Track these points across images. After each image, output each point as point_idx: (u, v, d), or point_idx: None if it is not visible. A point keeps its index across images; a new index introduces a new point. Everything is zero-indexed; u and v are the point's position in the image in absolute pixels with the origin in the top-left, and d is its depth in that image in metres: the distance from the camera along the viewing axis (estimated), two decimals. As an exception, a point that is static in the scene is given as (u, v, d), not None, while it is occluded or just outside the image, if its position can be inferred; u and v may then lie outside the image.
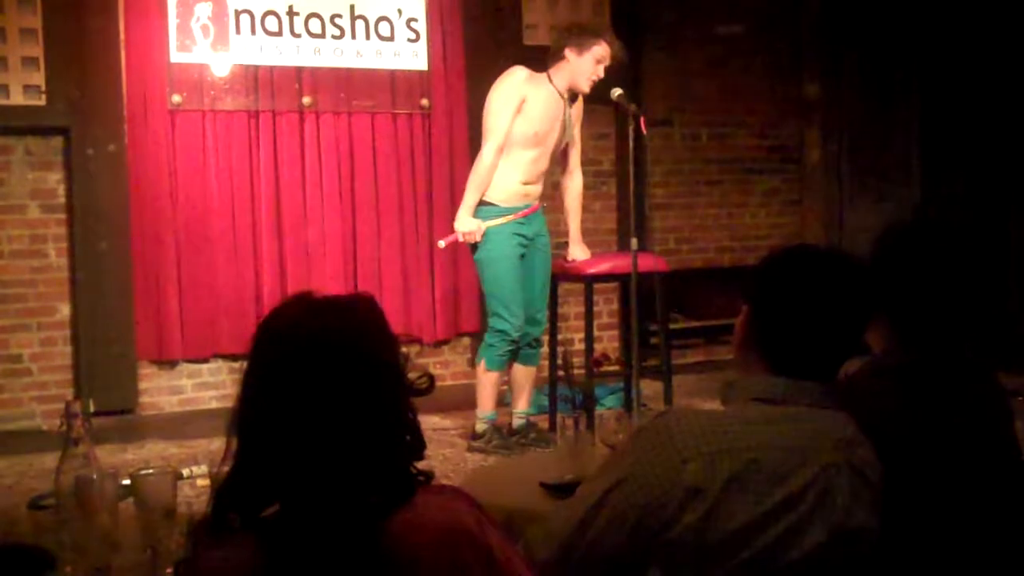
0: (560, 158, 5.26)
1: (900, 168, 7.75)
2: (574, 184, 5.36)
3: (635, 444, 1.89)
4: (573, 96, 5.13)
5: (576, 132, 5.23)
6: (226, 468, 1.56)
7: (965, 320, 2.07)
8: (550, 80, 5.05)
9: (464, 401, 5.24)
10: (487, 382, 5.10)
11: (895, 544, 1.85)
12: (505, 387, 5.30)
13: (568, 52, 5.00)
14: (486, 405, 5.12)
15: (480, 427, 5.13)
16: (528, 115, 4.99)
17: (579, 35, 5.05)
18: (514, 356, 5.13)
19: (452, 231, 5.12)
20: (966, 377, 2.08)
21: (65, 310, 5.99)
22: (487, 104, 5.06)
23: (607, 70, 5.08)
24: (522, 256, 5.08)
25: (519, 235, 5.05)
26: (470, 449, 5.12)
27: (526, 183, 5.07)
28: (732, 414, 1.86)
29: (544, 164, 5.12)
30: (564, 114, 5.09)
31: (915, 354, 2.05)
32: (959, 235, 2.11)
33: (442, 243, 5.28)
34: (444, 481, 1.76)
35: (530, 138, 5.00)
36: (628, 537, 1.76)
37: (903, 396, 1.99)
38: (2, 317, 5.84)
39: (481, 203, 5.03)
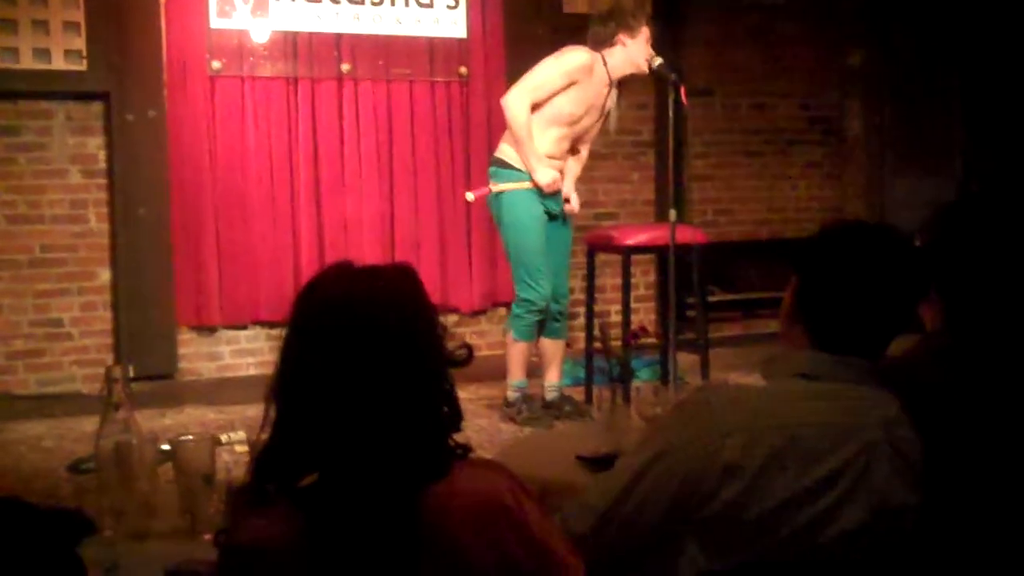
0: (574, 144, 5.22)
1: (942, 141, 7.66)
2: (577, 158, 5.31)
3: (675, 418, 1.89)
4: (620, 81, 5.09)
5: (612, 121, 5.20)
6: (264, 436, 1.56)
7: (1017, 300, 2.03)
8: (604, 63, 5.01)
9: (500, 372, 5.24)
10: (516, 352, 5.11)
11: (936, 525, 1.83)
12: (535, 359, 5.30)
13: (622, 37, 4.98)
14: (516, 374, 5.14)
15: (511, 395, 5.15)
16: (572, 97, 4.96)
17: (630, 18, 5.01)
18: (541, 329, 5.12)
19: (483, 185, 5.11)
20: (1017, 360, 2.04)
21: (105, 275, 6.03)
22: (539, 66, 5.00)
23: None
24: (548, 231, 5.07)
25: (544, 206, 5.04)
26: (502, 417, 5.13)
27: (551, 157, 5.05)
28: (774, 389, 1.86)
29: (567, 144, 5.12)
30: (605, 101, 5.07)
31: (965, 336, 2.01)
32: (1013, 212, 2.07)
33: (471, 196, 5.26)
34: (479, 451, 1.76)
35: (565, 117, 5.00)
36: (666, 511, 1.76)
37: (951, 379, 1.96)
38: (43, 281, 5.89)
39: (506, 165, 5.02)
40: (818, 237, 1.94)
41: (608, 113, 5.13)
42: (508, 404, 5.16)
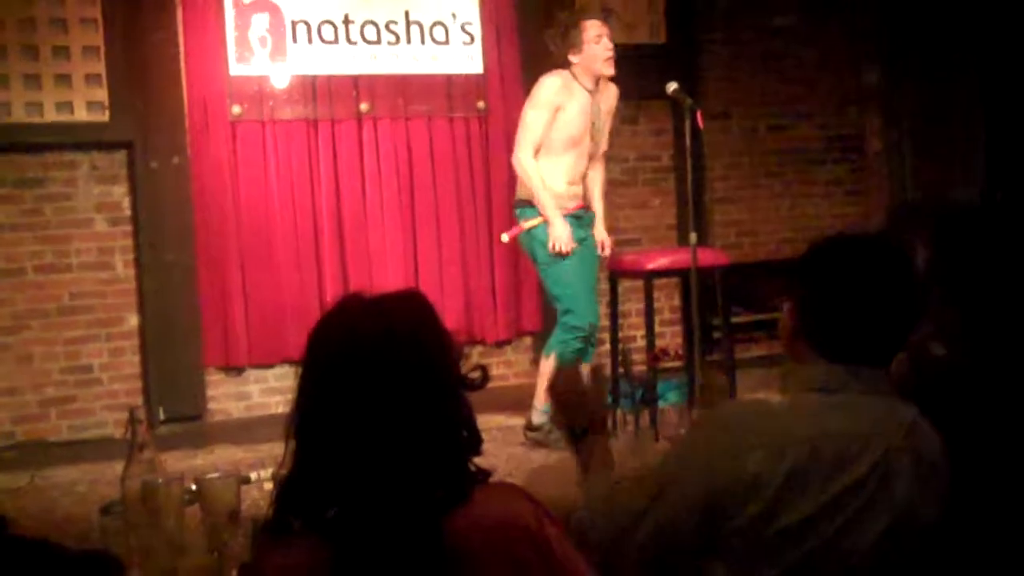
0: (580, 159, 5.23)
1: (964, 153, 7.63)
2: (596, 174, 5.34)
3: (693, 436, 1.90)
4: (602, 86, 5.15)
5: (605, 127, 5.24)
6: (286, 471, 1.58)
7: None
8: (576, 79, 5.08)
9: (527, 400, 5.23)
10: (553, 377, 5.10)
11: (960, 532, 1.83)
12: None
13: (571, 57, 5.06)
14: (547, 398, 5.11)
15: (537, 419, 5.10)
16: (564, 121, 5.03)
17: (564, 37, 5.09)
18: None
19: (513, 225, 5.15)
20: None
21: (133, 320, 6.09)
22: (523, 113, 5.12)
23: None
24: (579, 250, 5.10)
25: (576, 232, 5.07)
26: (525, 439, 5.10)
27: (571, 183, 5.12)
28: (790, 404, 1.86)
29: (583, 164, 5.17)
30: (591, 110, 5.11)
31: (984, 343, 2.01)
32: None
33: (505, 237, 5.32)
34: (508, 479, 1.77)
35: (567, 141, 5.06)
36: (692, 525, 1.76)
37: (972, 386, 1.95)
38: (73, 328, 5.95)
39: (529, 204, 5.07)
40: (807, 257, 1.93)
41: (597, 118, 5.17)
42: (533, 428, 5.11)
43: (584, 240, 5.16)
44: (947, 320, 2.06)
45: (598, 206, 5.34)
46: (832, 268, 1.89)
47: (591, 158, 5.23)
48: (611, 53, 5.08)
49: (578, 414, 2.15)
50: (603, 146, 5.31)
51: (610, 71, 5.10)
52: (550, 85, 5.06)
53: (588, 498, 1.97)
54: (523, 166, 5.04)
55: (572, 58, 5.06)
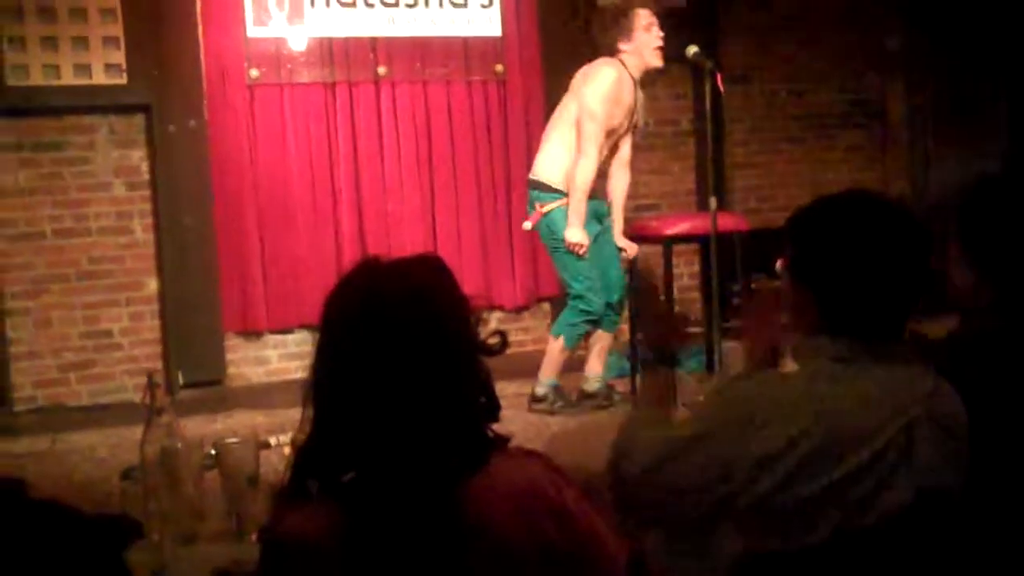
0: (612, 149, 5.19)
1: (986, 121, 7.55)
2: (622, 179, 5.29)
3: (712, 407, 1.88)
4: (643, 80, 5.10)
5: (640, 118, 5.18)
6: (304, 436, 1.57)
7: None
8: (624, 66, 5.00)
9: (543, 367, 5.25)
10: (560, 357, 5.16)
11: (982, 502, 1.81)
12: (581, 352, 5.31)
13: (621, 44, 4.98)
14: (551, 373, 5.18)
15: (540, 391, 5.17)
16: (613, 113, 4.98)
17: (614, 23, 5.01)
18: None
19: (532, 209, 5.13)
20: None
21: (152, 285, 6.10)
22: (587, 106, 4.96)
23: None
24: (596, 237, 5.07)
25: (594, 216, 5.05)
26: (530, 410, 5.14)
27: (598, 176, 5.08)
28: (809, 376, 1.80)
29: (608, 150, 5.12)
30: (636, 100, 5.06)
31: (1014, 315, 1.96)
32: None
33: (527, 224, 5.22)
34: (526, 445, 1.75)
35: (610, 132, 5.02)
36: (698, 492, 1.76)
37: (999, 359, 1.92)
38: (92, 293, 5.96)
39: (547, 188, 5.04)
40: (804, 215, 1.89)
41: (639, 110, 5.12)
42: (537, 399, 5.17)
43: (600, 234, 5.13)
44: (981, 296, 2.01)
45: (618, 214, 5.29)
46: (824, 226, 1.84)
47: (618, 150, 5.17)
48: (661, 43, 5.00)
49: (662, 340, 2.12)
50: (628, 145, 5.24)
51: (659, 62, 5.02)
52: (612, 77, 4.96)
53: (623, 433, 1.94)
54: (585, 176, 4.94)
55: (622, 46, 4.98)
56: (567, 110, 5.06)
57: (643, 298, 2.33)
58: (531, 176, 5.18)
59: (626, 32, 4.96)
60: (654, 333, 2.15)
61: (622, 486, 1.86)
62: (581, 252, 4.96)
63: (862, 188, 1.95)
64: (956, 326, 2.05)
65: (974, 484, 1.78)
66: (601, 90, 4.95)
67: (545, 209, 5.05)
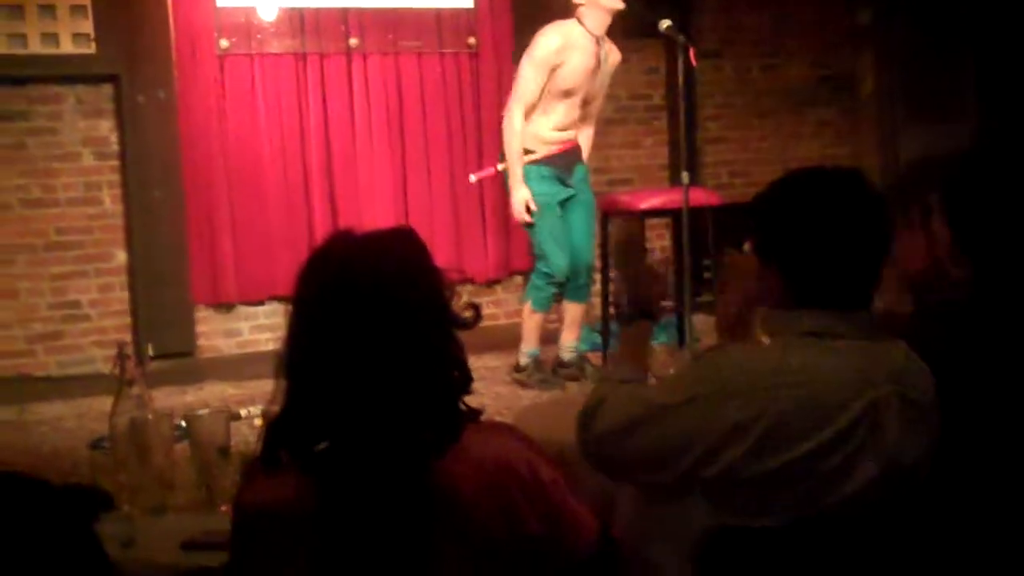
0: (579, 110, 5.15)
1: (955, 97, 7.58)
2: (584, 137, 5.27)
3: (684, 377, 1.89)
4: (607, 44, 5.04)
5: (605, 82, 5.15)
6: (277, 407, 1.57)
7: None
8: (581, 24, 4.95)
9: (517, 340, 5.25)
10: (532, 322, 5.16)
11: (950, 478, 1.82)
12: (554, 324, 5.32)
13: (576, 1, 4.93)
14: (531, 342, 5.18)
15: (523, 360, 5.19)
16: (562, 75, 4.93)
17: None
18: (563, 293, 5.14)
19: (488, 167, 5.14)
20: None
21: (121, 256, 6.06)
22: (520, 67, 5.00)
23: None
24: (564, 202, 5.05)
25: (558, 179, 5.03)
26: (512, 380, 5.17)
27: (559, 130, 5.05)
28: (779, 349, 1.80)
29: (576, 111, 5.08)
30: (597, 59, 5.00)
31: (993, 290, 1.96)
32: None
33: (473, 177, 5.34)
34: (497, 418, 1.75)
35: (564, 91, 4.97)
36: (659, 461, 1.78)
37: (977, 333, 1.92)
38: (60, 264, 5.92)
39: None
40: (764, 197, 1.91)
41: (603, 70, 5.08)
42: (518, 369, 5.20)
43: (572, 196, 5.10)
44: (959, 270, 2.01)
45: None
46: (782, 205, 1.87)
47: (586, 105, 5.15)
48: None
49: (642, 298, 2.15)
50: (599, 104, 5.24)
51: (619, 4, 4.93)
52: (549, 44, 4.91)
53: (598, 387, 1.97)
54: (508, 127, 4.97)
55: (576, 0, 4.94)
56: None
57: (629, 254, 2.35)
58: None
59: None
60: (638, 288, 2.16)
61: (590, 443, 1.88)
62: (523, 212, 4.95)
63: (820, 165, 1.97)
64: (913, 301, 2.06)
65: (943, 460, 1.79)
66: (531, 51, 4.95)
67: (502, 167, 5.06)
